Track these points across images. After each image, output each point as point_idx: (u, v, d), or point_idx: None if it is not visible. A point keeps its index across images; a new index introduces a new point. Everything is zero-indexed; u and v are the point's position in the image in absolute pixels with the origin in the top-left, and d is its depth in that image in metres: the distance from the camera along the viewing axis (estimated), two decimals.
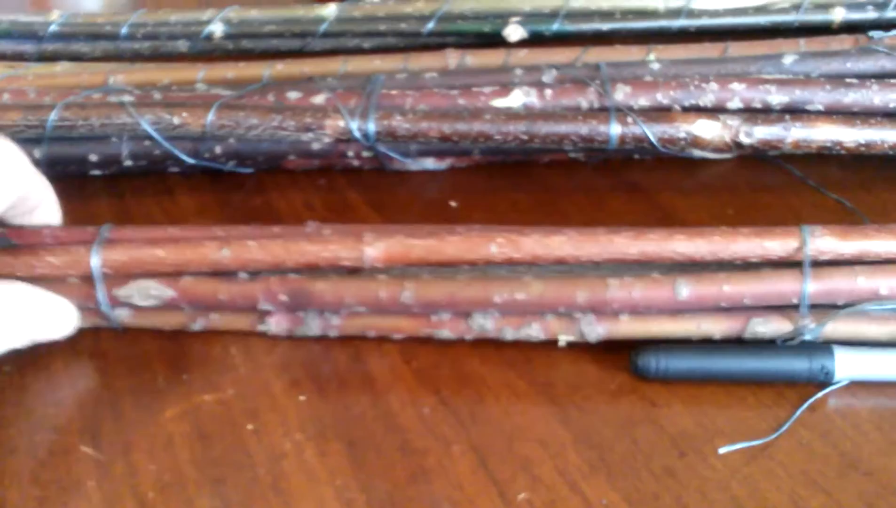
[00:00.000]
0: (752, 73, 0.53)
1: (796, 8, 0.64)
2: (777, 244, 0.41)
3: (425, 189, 0.53)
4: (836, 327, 0.40)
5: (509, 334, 0.41)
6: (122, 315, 0.45)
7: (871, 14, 0.63)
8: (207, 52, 0.67)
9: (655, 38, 0.64)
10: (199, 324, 0.44)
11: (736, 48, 0.56)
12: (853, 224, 0.40)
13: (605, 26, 0.65)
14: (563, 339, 0.41)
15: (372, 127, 0.50)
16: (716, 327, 0.41)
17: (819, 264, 0.40)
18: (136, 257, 0.43)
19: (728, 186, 0.55)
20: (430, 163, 0.54)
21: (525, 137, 0.48)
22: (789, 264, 0.40)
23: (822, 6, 0.64)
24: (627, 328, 0.41)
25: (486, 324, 0.41)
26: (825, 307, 0.40)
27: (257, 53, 0.67)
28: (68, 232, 0.45)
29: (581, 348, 0.43)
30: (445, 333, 0.42)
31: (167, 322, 0.45)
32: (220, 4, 0.68)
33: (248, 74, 0.57)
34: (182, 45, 0.68)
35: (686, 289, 0.40)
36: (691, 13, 0.65)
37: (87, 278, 0.43)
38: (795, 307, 0.40)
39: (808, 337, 0.40)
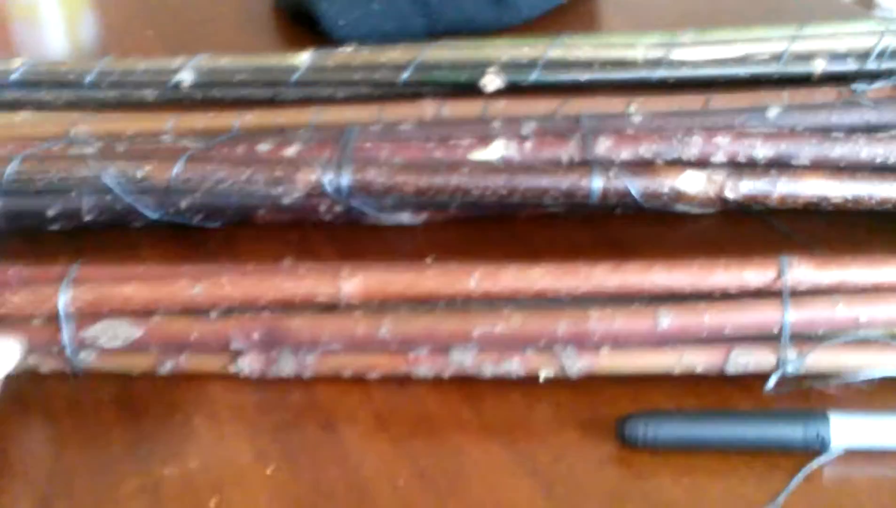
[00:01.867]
0: (735, 125, 0.51)
1: (777, 59, 0.64)
2: (756, 275, 0.41)
3: (401, 245, 0.52)
4: (819, 357, 0.40)
5: (489, 369, 0.41)
6: (87, 359, 0.42)
7: (851, 66, 0.62)
8: (176, 101, 0.65)
9: (635, 88, 0.63)
10: (167, 366, 0.42)
11: (718, 100, 0.55)
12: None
13: (584, 77, 0.64)
14: (544, 374, 0.41)
15: (346, 180, 0.48)
16: (698, 359, 0.40)
17: (799, 294, 0.40)
18: (104, 295, 0.41)
19: (712, 241, 0.53)
20: (405, 217, 0.53)
21: (504, 192, 0.47)
22: (769, 294, 0.40)
23: (802, 57, 0.63)
24: (608, 361, 0.41)
25: (464, 359, 0.40)
26: (807, 338, 0.40)
27: (228, 102, 0.65)
28: (34, 271, 0.43)
29: (565, 413, 0.41)
30: (423, 370, 0.41)
31: (135, 365, 0.43)
32: (190, 52, 0.66)
33: (217, 124, 0.55)
34: (150, 94, 0.66)
35: (667, 319, 0.40)
36: (671, 64, 0.64)
37: (53, 319, 0.41)
38: (777, 338, 0.40)
39: (790, 369, 0.40)
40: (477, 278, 0.40)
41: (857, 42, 0.62)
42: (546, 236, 0.52)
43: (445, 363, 0.41)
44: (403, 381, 0.42)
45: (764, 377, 0.41)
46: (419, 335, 0.41)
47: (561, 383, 0.42)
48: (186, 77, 0.65)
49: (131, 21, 0.83)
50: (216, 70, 0.65)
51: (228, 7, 0.84)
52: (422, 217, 0.53)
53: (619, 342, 0.41)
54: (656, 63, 0.64)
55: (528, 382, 0.42)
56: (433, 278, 0.41)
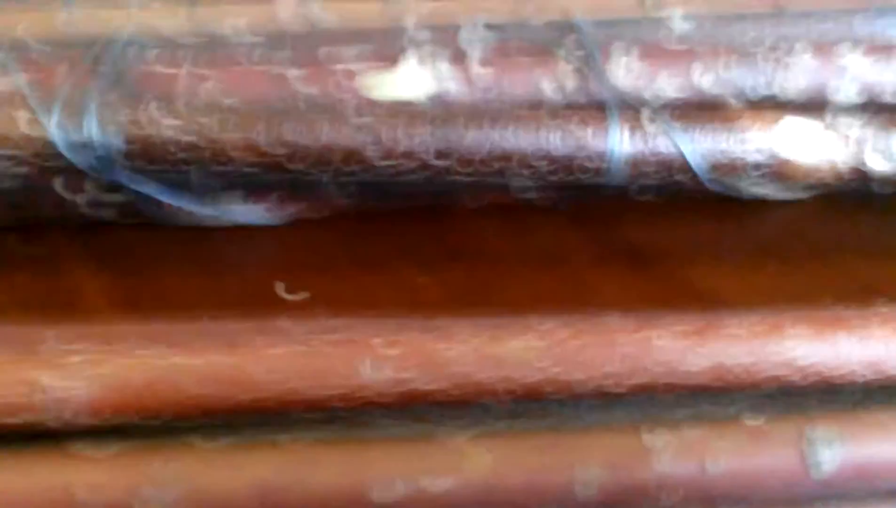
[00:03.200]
0: (874, 33, 0.27)
1: None
2: None
3: (238, 266, 0.29)
4: None
5: None
6: None
7: None
8: None
9: None
10: None
11: None
12: None
13: None
14: None
15: (103, 134, 0.23)
16: None
17: None
18: None
19: (811, 249, 0.30)
20: (251, 213, 0.30)
21: (437, 164, 0.26)
22: None
23: None
24: None
25: None
26: None
27: None
28: None
29: None
30: None
31: None
32: None
33: None
34: None
35: (831, 454, 0.20)
36: None
37: None
38: None
39: None
40: (377, 360, 0.19)
41: None
42: (510, 242, 0.31)
43: None
44: None
45: None
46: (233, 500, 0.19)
47: None
48: None
49: None
50: None
51: None
52: (282, 213, 0.31)
53: (715, 498, 0.20)
54: None
55: None
56: (276, 361, 0.19)
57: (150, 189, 0.27)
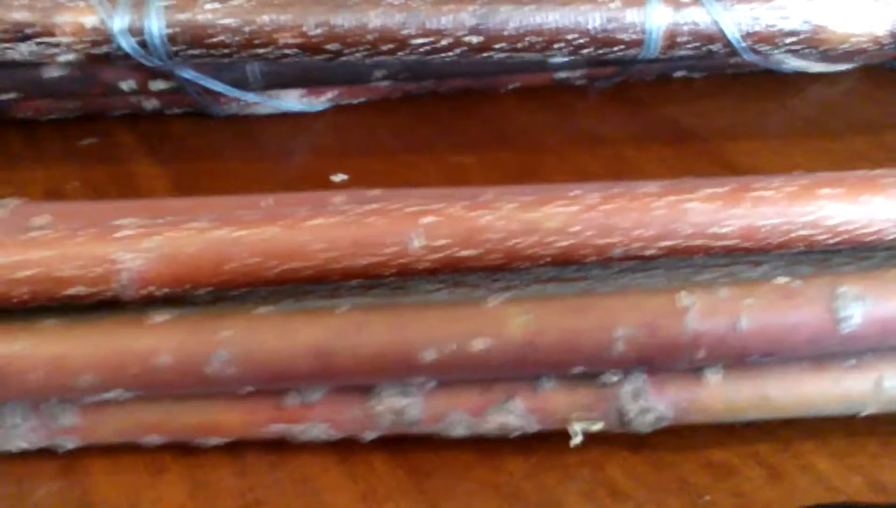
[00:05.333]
0: None
1: None
2: None
3: (286, 151, 0.28)
4: None
5: (460, 425, 0.21)
6: None
7: None
8: None
9: None
10: None
11: None
12: None
13: None
14: (579, 430, 0.21)
15: (156, 26, 0.24)
16: None
17: None
18: None
19: (849, 125, 0.30)
20: (293, 101, 0.32)
21: (475, 41, 0.26)
22: None
23: None
24: (722, 397, 0.21)
25: (407, 408, 0.21)
26: None
27: None
28: None
29: None
30: (317, 431, 0.21)
31: None
32: None
33: None
34: None
35: (860, 308, 0.20)
36: None
37: None
38: None
39: None
40: (425, 229, 0.20)
41: None
42: (550, 122, 0.32)
43: (366, 416, 0.21)
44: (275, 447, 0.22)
45: None
46: (298, 365, 0.20)
47: (613, 449, 0.22)
48: None
49: None
50: None
51: None
52: (323, 99, 0.32)
53: (748, 357, 0.20)
54: None
55: (544, 446, 0.22)
56: (325, 232, 0.20)
57: (194, 75, 0.28)
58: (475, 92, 0.33)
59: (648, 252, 0.20)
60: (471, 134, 0.32)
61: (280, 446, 0.21)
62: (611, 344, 0.20)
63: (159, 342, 0.20)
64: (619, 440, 0.21)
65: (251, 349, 0.20)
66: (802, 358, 0.21)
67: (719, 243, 0.21)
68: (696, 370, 0.21)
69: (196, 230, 0.20)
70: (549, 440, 0.21)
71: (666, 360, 0.20)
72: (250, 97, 0.30)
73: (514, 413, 0.21)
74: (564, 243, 0.20)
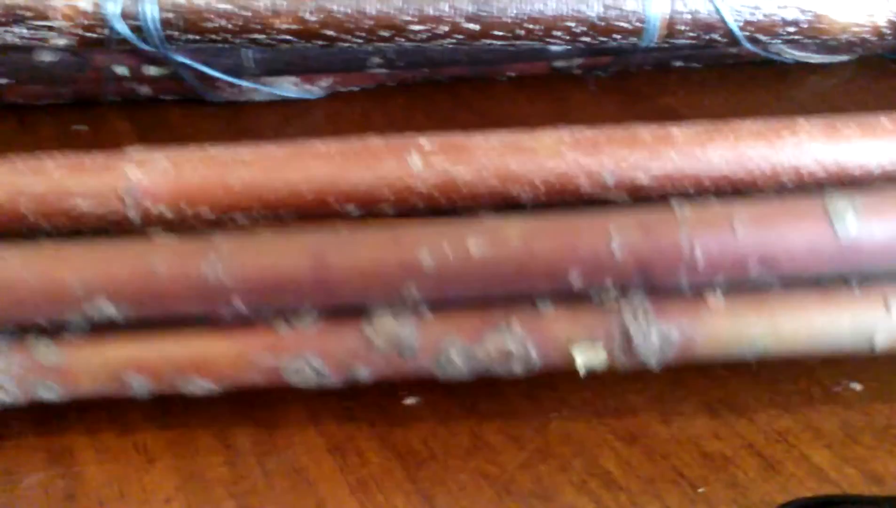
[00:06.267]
0: None
1: None
2: None
3: (280, 138, 0.27)
4: None
5: (457, 354, 0.21)
6: None
7: None
8: None
9: None
10: None
11: None
12: None
13: None
14: (584, 360, 0.21)
15: (151, 10, 0.23)
16: None
17: None
18: None
19: (852, 114, 0.29)
20: (289, 88, 0.32)
21: (473, 28, 0.26)
22: None
23: None
24: (727, 324, 0.21)
25: (402, 333, 0.20)
26: None
27: None
28: None
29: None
30: (310, 371, 0.20)
31: None
32: None
33: None
34: None
35: (856, 220, 0.20)
36: None
37: None
38: None
39: None
40: (423, 155, 0.21)
41: None
42: (547, 113, 0.32)
43: (361, 343, 0.20)
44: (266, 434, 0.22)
45: None
46: (298, 277, 0.20)
47: (607, 440, 0.22)
48: None
49: None
50: None
51: None
52: (320, 85, 0.32)
53: (748, 276, 0.20)
54: None
55: (537, 437, 0.22)
56: (327, 161, 0.21)
57: (189, 61, 0.28)
58: (472, 80, 0.33)
59: (643, 180, 0.20)
60: (467, 123, 0.32)
61: (271, 434, 0.21)
62: (609, 251, 0.20)
63: (154, 251, 0.19)
64: (613, 431, 0.21)
65: (244, 257, 0.20)
66: (807, 282, 0.20)
67: (712, 174, 0.21)
68: (698, 295, 0.20)
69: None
70: (543, 432, 0.21)
71: (665, 272, 0.20)
72: (245, 84, 0.30)
73: (512, 337, 0.20)
74: (562, 170, 0.20)
